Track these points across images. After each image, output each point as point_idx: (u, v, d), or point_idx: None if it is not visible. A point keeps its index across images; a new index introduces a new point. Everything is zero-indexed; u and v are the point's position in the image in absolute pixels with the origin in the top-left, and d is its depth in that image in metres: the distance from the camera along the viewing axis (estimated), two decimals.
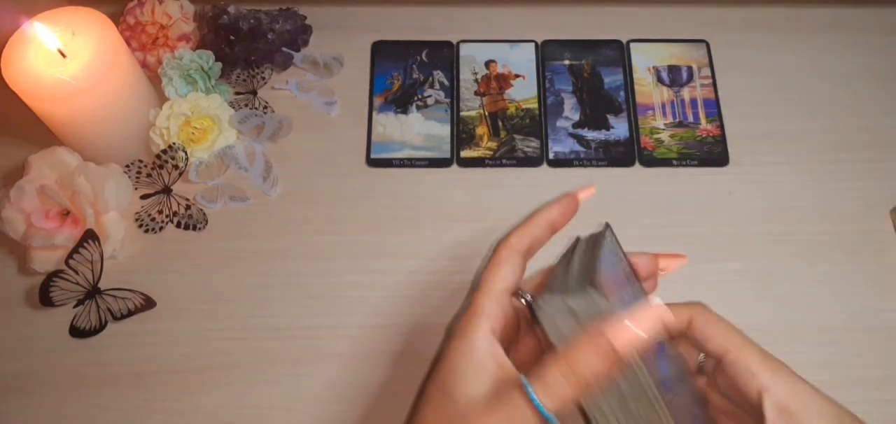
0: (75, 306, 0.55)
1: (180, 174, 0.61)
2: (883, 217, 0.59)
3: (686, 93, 0.65)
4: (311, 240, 0.59)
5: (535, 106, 0.65)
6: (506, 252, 0.41)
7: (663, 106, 0.65)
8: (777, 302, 0.56)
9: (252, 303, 0.56)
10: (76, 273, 0.55)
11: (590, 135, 0.63)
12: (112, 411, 0.52)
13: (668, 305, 0.36)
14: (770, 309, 0.55)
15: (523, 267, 0.41)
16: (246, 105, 0.65)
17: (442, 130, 0.64)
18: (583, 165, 0.62)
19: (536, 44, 0.68)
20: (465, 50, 0.68)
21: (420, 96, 0.65)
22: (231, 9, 0.66)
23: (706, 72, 0.66)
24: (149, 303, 0.56)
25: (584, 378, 0.34)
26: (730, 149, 0.62)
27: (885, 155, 0.62)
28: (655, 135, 0.63)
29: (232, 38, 0.65)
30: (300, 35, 0.68)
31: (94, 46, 0.55)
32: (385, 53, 0.68)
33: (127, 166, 0.61)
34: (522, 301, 0.40)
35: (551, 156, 0.62)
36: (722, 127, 0.63)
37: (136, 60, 0.62)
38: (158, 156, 0.61)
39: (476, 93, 0.65)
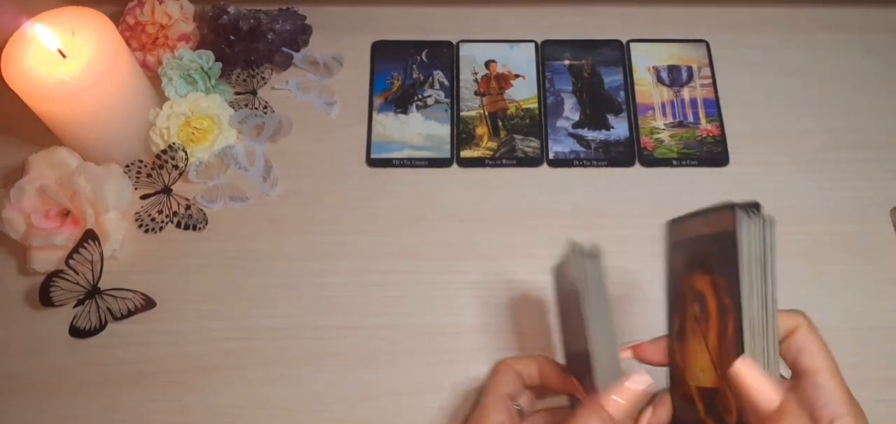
0: (75, 306, 0.55)
1: (180, 174, 0.61)
2: (883, 217, 0.59)
3: (686, 93, 0.65)
4: (311, 240, 0.59)
5: (535, 106, 0.65)
6: (504, 366, 0.48)
7: (663, 106, 0.65)
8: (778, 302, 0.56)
9: (252, 303, 0.56)
10: (76, 273, 0.55)
11: (590, 135, 0.63)
12: (112, 411, 0.52)
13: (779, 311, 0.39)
14: None
15: (520, 383, 0.47)
16: (246, 105, 0.65)
17: (442, 130, 0.64)
18: (583, 165, 0.62)
19: (536, 44, 0.68)
20: (465, 50, 0.68)
21: (420, 96, 0.65)
22: (231, 9, 0.66)
23: (706, 72, 0.66)
24: (149, 303, 0.56)
25: None
26: (730, 149, 0.62)
27: (885, 155, 0.62)
28: (655, 135, 0.63)
29: (232, 37, 0.65)
30: (300, 35, 0.68)
31: (94, 46, 0.55)
32: (385, 53, 0.68)
33: (127, 166, 0.61)
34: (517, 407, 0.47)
35: (551, 156, 0.62)
36: (722, 127, 0.63)
37: (136, 60, 0.62)
38: (158, 156, 0.61)
39: (476, 93, 0.65)
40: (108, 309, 0.55)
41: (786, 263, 0.57)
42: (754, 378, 0.36)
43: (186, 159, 0.61)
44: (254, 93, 0.65)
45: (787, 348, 0.40)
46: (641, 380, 0.40)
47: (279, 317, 0.56)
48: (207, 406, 0.52)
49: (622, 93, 0.65)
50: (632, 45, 0.68)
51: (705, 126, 0.64)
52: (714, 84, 0.66)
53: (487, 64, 0.67)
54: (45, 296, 0.55)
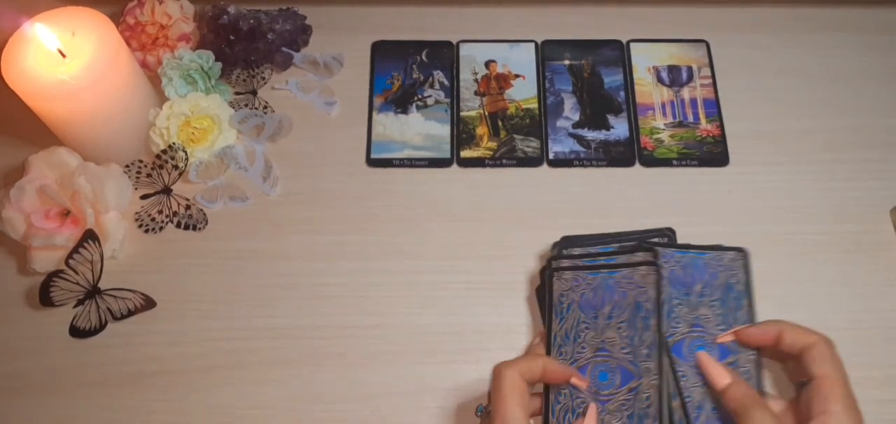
0: (75, 306, 0.55)
1: (180, 174, 0.61)
2: (883, 217, 0.59)
3: (686, 93, 0.65)
4: (311, 240, 0.59)
5: (535, 106, 0.65)
6: (510, 378, 0.45)
7: (663, 106, 0.65)
8: (777, 302, 0.56)
9: (252, 303, 0.56)
10: (76, 273, 0.55)
11: (590, 135, 0.63)
12: (112, 411, 0.52)
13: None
14: (770, 309, 0.55)
15: (527, 392, 0.46)
16: (246, 105, 0.65)
17: (442, 130, 0.64)
18: (583, 165, 0.62)
19: (536, 44, 0.68)
20: (465, 50, 0.68)
21: (420, 96, 0.65)
22: (231, 9, 0.66)
23: (706, 72, 0.66)
24: (149, 303, 0.56)
25: None
26: (730, 149, 0.62)
27: (885, 155, 0.62)
28: (655, 135, 0.63)
29: (232, 38, 0.65)
30: (300, 35, 0.68)
31: (94, 46, 0.55)
32: (385, 53, 0.68)
33: (127, 166, 0.61)
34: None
35: (551, 156, 0.62)
36: (722, 127, 0.63)
37: (136, 60, 0.62)
38: (158, 156, 0.61)
39: (476, 93, 0.65)
40: (108, 309, 0.55)
41: (786, 263, 0.57)
42: (709, 364, 0.47)
43: (186, 159, 0.61)
44: (254, 93, 0.65)
45: (803, 362, 0.45)
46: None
47: (279, 317, 0.56)
48: (207, 406, 0.52)
49: (622, 93, 0.65)
50: (632, 45, 0.68)
51: (705, 126, 0.64)
52: (714, 84, 0.66)
53: (487, 64, 0.67)
54: (45, 296, 0.55)
